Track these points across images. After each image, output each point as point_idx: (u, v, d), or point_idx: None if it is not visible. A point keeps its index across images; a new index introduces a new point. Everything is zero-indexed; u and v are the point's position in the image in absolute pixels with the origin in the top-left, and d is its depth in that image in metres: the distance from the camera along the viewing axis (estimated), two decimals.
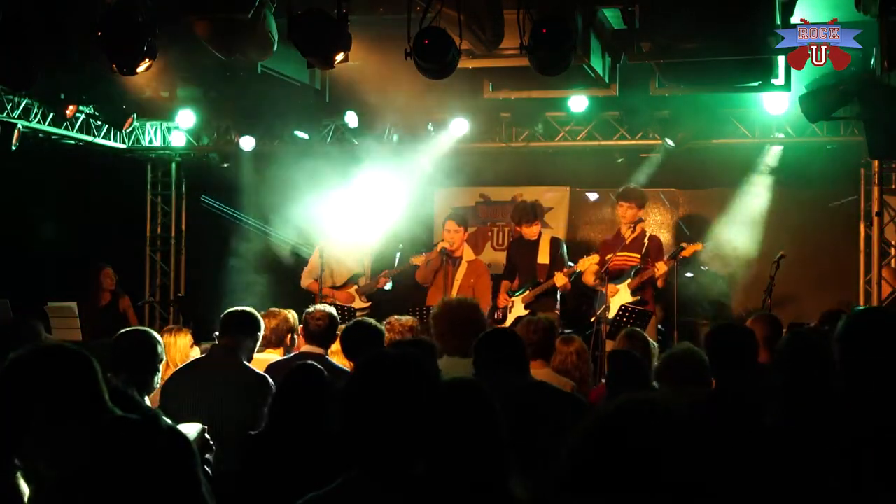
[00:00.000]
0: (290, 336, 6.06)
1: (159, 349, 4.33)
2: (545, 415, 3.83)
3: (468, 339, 4.49)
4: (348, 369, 5.13)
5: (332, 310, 5.78)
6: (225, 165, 11.45)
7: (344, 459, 2.38)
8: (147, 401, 4.22)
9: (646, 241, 8.87)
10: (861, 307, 3.05)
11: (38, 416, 2.50)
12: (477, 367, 4.13)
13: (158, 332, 4.75)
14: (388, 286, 9.52)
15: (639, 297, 8.65)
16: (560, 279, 8.63)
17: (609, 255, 8.74)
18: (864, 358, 2.83)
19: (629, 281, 8.73)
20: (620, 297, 8.68)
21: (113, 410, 2.59)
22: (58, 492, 2.48)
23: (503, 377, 3.90)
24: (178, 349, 5.98)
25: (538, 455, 3.19)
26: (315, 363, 4.10)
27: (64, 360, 2.57)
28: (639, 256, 8.82)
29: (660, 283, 8.76)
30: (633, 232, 8.87)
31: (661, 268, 8.60)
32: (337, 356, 5.55)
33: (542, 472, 2.37)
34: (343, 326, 5.60)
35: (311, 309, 5.76)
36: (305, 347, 5.58)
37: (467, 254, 9.12)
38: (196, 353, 5.98)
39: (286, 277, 10.46)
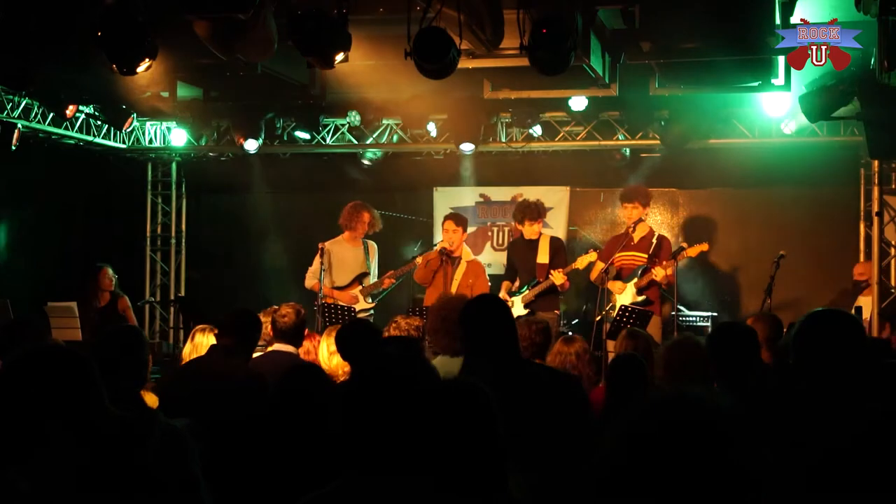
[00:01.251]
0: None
1: (144, 341, 4.33)
2: (540, 397, 3.75)
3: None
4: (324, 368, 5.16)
5: (299, 306, 5.77)
6: (222, 159, 11.45)
7: (343, 460, 2.38)
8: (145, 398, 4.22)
9: (654, 240, 8.86)
10: (820, 308, 3.07)
11: (37, 416, 2.50)
12: (464, 347, 3.83)
13: (154, 332, 4.75)
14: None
15: (644, 297, 8.64)
16: (558, 277, 8.61)
17: (615, 255, 8.73)
18: (818, 357, 2.86)
19: (636, 280, 8.71)
20: (626, 296, 8.66)
21: (112, 410, 2.59)
22: (57, 492, 2.48)
23: (494, 360, 3.78)
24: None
25: (535, 442, 3.18)
26: (310, 363, 4.10)
27: (62, 360, 2.57)
28: (646, 256, 8.80)
29: (663, 285, 8.75)
30: (633, 231, 8.86)
31: (658, 273, 8.57)
32: (335, 356, 5.55)
33: (539, 461, 2.37)
34: (339, 327, 5.60)
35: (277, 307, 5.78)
36: (276, 346, 5.59)
37: (466, 254, 9.11)
38: None
39: (287, 278, 10.45)
